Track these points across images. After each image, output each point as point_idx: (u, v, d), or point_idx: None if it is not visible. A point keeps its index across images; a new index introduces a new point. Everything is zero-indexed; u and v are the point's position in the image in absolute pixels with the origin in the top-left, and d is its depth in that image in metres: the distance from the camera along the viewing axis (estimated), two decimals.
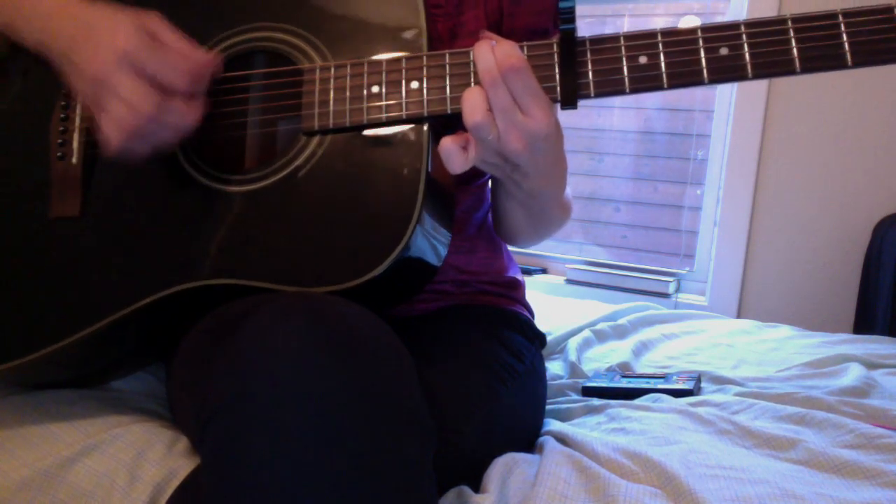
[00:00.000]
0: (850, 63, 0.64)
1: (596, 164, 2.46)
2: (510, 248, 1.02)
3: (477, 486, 0.70)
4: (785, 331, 1.38)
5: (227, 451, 0.52)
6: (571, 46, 0.67)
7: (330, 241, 0.70)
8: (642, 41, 0.67)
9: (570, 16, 0.65)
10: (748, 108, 2.08)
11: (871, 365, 1.10)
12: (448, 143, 0.66)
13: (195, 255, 0.72)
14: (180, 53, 0.69)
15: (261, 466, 0.50)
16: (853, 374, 1.03)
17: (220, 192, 0.73)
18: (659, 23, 2.32)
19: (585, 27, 0.67)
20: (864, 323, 1.85)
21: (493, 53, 0.66)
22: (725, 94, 2.18)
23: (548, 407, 0.93)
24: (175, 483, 0.69)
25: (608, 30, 0.68)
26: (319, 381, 0.52)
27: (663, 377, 1.03)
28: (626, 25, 2.43)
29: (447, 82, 0.69)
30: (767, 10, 1.97)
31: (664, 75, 0.66)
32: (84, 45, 0.68)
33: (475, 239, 0.93)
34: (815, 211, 2.04)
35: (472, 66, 0.69)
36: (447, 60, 0.69)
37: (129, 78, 0.66)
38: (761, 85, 2.05)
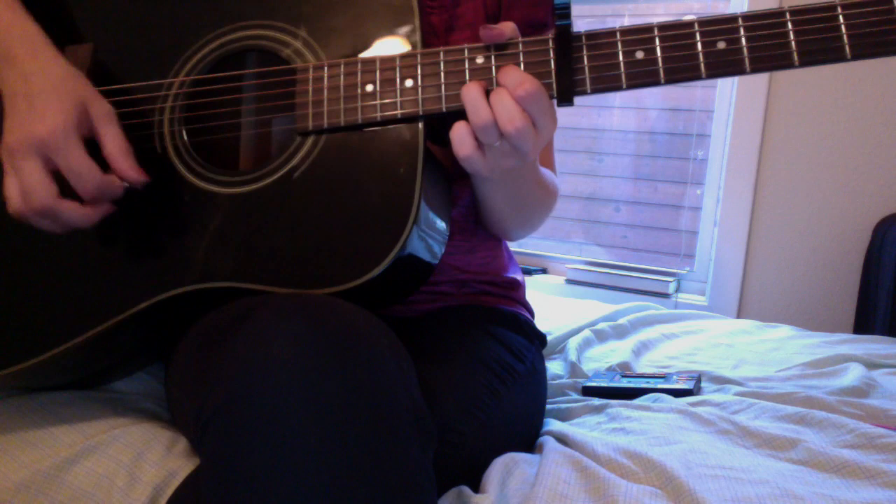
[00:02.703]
0: (848, 55, 0.63)
1: (596, 164, 2.46)
2: (509, 244, 1.01)
3: (477, 486, 0.70)
4: (785, 331, 1.38)
5: (226, 452, 0.52)
6: (567, 43, 0.66)
7: (327, 242, 0.69)
8: (639, 35, 0.66)
9: (565, 12, 0.65)
10: (748, 108, 2.07)
11: (871, 365, 1.10)
12: (461, 129, 0.67)
13: (193, 258, 0.72)
14: (111, 158, 0.68)
15: (260, 468, 0.50)
16: (853, 374, 1.03)
17: (216, 195, 0.73)
18: None
19: (585, 28, 0.67)
20: (864, 323, 1.85)
21: (505, 87, 0.65)
22: (725, 94, 2.18)
23: (548, 406, 0.93)
24: (174, 484, 0.69)
25: None
26: (318, 382, 0.52)
27: (663, 377, 1.03)
28: None
29: (442, 80, 0.69)
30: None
31: (661, 70, 0.66)
32: (14, 111, 0.67)
33: (475, 237, 0.92)
34: (815, 211, 2.04)
35: (466, 62, 0.68)
36: (441, 58, 0.69)
37: (32, 166, 0.65)
38: (761, 85, 2.05)
